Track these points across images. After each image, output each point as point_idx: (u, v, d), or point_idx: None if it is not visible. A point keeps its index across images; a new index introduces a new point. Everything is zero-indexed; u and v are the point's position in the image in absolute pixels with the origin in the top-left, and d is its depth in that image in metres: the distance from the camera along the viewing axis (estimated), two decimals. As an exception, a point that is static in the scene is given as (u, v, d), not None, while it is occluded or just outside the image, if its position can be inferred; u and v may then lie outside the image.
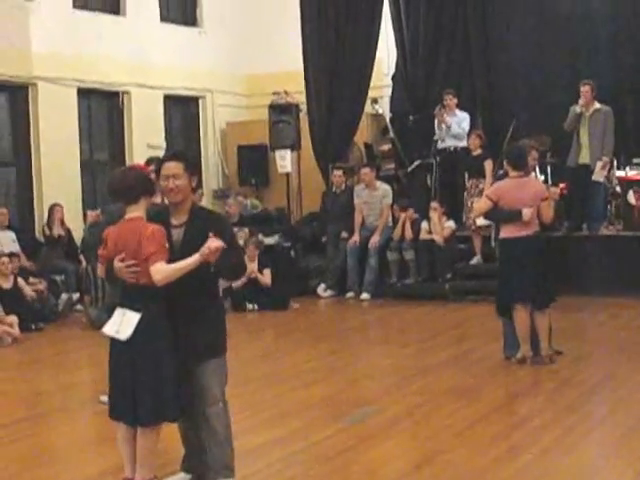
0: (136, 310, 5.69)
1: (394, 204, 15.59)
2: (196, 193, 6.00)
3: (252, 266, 14.60)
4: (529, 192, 9.40)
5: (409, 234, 15.00)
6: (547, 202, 9.51)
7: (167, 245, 5.71)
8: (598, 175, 14.12)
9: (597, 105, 14.24)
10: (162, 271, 5.60)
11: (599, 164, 14.07)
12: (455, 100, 15.78)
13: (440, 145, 15.91)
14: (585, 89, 14.16)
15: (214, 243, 5.53)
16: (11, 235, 14.61)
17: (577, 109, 14.14)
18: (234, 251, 5.82)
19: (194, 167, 5.92)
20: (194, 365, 5.79)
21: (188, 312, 5.75)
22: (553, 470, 6.31)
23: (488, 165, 14.50)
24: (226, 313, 6.18)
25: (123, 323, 5.73)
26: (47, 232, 15.07)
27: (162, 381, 5.68)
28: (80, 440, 7.84)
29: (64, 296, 14.32)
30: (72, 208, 15.62)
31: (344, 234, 15.64)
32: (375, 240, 15.25)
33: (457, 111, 15.81)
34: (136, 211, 5.81)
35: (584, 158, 14.25)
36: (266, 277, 14.56)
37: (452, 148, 15.72)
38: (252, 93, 19.27)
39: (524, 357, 9.41)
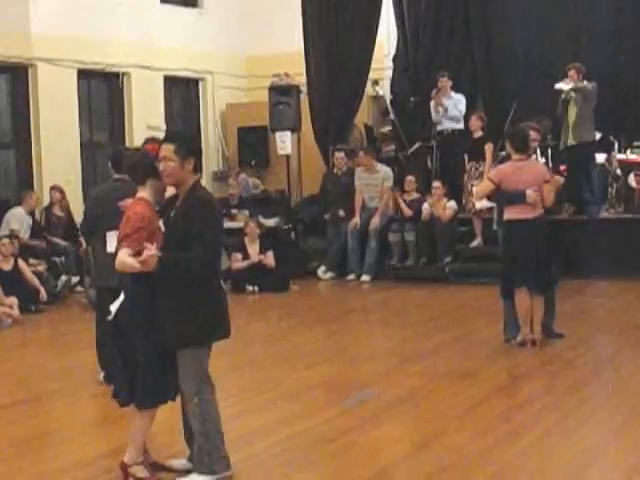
0: (125, 292, 5.73)
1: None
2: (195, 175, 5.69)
3: (254, 248, 14.62)
4: (531, 174, 9.37)
5: (407, 211, 15.00)
6: (549, 185, 9.48)
7: (147, 229, 5.65)
8: (561, 84, 14.14)
9: (580, 84, 14.18)
10: (119, 261, 5.60)
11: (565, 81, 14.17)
12: (450, 82, 15.76)
13: (438, 128, 15.91)
14: (571, 73, 14.17)
15: (146, 254, 5.41)
16: (29, 220, 14.65)
17: (563, 94, 14.15)
18: (199, 245, 5.52)
19: (188, 149, 5.66)
20: (170, 352, 5.68)
21: (167, 298, 5.61)
22: (554, 453, 6.31)
23: (488, 148, 14.46)
24: (221, 303, 5.83)
25: (114, 304, 5.77)
26: (47, 214, 15.09)
27: (141, 365, 5.67)
28: (80, 422, 7.85)
29: (63, 278, 14.32)
30: (72, 189, 15.59)
31: (341, 212, 15.64)
32: (375, 221, 15.25)
33: (452, 93, 15.80)
34: (142, 192, 5.83)
35: (571, 139, 14.23)
36: (269, 259, 14.56)
37: (450, 130, 15.72)
38: (252, 75, 19.23)
39: (524, 340, 9.40)
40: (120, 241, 5.64)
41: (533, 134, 9.70)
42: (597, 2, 16.36)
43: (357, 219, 15.44)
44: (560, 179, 9.19)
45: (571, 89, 14.07)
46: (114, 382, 6.07)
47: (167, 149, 5.63)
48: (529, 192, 9.21)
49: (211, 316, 5.69)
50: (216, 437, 5.74)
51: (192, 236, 5.52)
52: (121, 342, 5.78)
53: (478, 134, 14.66)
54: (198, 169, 5.73)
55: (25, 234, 14.47)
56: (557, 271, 9.85)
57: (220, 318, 5.76)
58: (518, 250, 9.36)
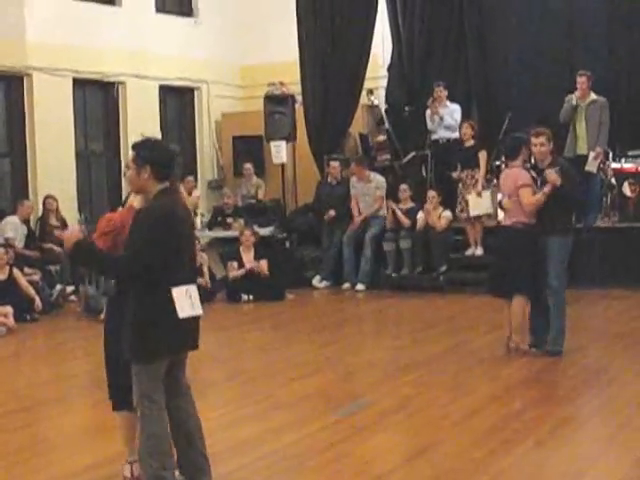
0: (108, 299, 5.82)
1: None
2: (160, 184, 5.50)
3: (249, 257, 14.63)
4: (509, 181, 9.57)
5: (405, 221, 14.99)
6: (524, 190, 9.43)
7: (114, 235, 5.76)
8: (591, 165, 14.15)
9: (593, 96, 14.28)
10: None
11: (592, 154, 14.12)
12: (445, 92, 15.80)
13: (433, 137, 15.94)
14: (582, 80, 14.21)
15: (68, 232, 5.51)
16: (24, 229, 14.68)
17: (573, 101, 14.17)
18: (129, 249, 5.40)
19: (143, 158, 5.48)
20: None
21: (129, 311, 5.50)
22: (548, 462, 6.31)
23: (482, 156, 14.51)
24: (169, 321, 5.40)
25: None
26: (42, 224, 15.10)
27: (120, 367, 5.67)
28: (75, 430, 7.83)
29: (58, 287, 14.30)
30: (67, 198, 15.60)
31: (332, 212, 15.67)
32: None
33: (448, 102, 15.84)
34: (135, 200, 5.88)
35: (581, 149, 14.30)
36: (263, 267, 14.56)
37: (445, 139, 15.76)
38: (247, 84, 19.26)
39: (517, 346, 9.45)
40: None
41: (538, 140, 9.51)
42: (592, 13, 16.35)
43: (356, 220, 15.49)
44: (552, 176, 9.09)
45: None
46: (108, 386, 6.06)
47: (130, 156, 5.66)
48: (499, 198, 9.59)
49: (156, 334, 5.40)
50: (161, 459, 5.48)
51: (126, 244, 5.48)
52: (112, 346, 5.81)
53: (470, 143, 14.68)
54: (160, 177, 5.47)
55: (20, 243, 14.48)
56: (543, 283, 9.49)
57: (167, 336, 5.42)
58: (498, 257, 9.77)
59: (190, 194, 15.89)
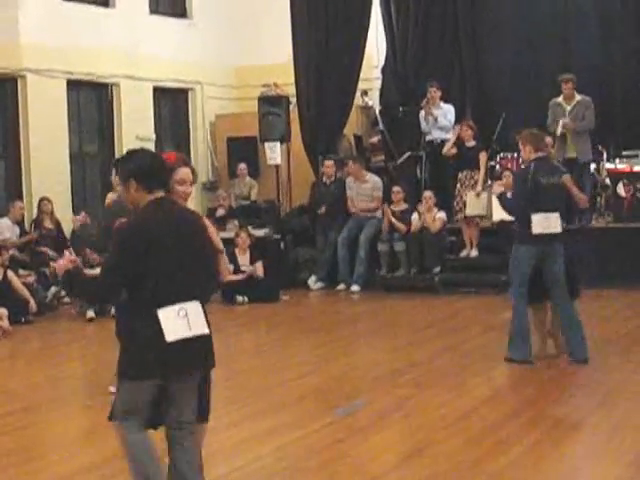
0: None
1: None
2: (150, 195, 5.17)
3: (244, 258, 14.62)
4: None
5: (400, 226, 14.98)
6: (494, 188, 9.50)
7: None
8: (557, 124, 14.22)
9: (578, 97, 14.32)
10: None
11: (563, 121, 14.21)
12: (439, 93, 15.82)
13: (427, 138, 15.96)
14: (567, 86, 14.27)
15: (60, 261, 5.36)
16: (16, 230, 14.67)
17: (557, 107, 14.28)
18: (101, 269, 5.19)
19: (123, 174, 5.21)
20: None
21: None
22: (544, 462, 6.32)
23: (482, 157, 14.54)
24: (152, 342, 4.96)
25: None
26: (37, 226, 15.09)
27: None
28: (70, 432, 7.83)
29: (53, 289, 14.28)
30: (61, 200, 15.59)
31: (323, 208, 15.73)
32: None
33: (441, 103, 15.86)
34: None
35: (571, 152, 14.30)
36: (259, 270, 14.56)
37: (439, 140, 15.77)
38: (242, 85, 19.25)
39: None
40: None
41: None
42: (586, 13, 16.40)
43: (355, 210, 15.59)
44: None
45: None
46: None
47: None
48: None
49: (138, 353, 5.02)
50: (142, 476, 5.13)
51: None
52: None
53: (471, 143, 14.71)
54: (149, 188, 5.12)
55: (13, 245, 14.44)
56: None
57: (149, 357, 4.99)
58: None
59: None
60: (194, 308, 5.07)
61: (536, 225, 8.83)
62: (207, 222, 5.84)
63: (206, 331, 5.11)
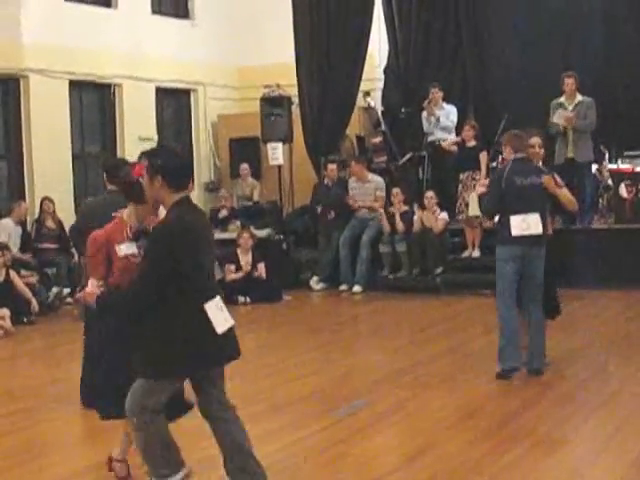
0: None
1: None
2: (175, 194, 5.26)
3: (247, 259, 14.63)
4: None
5: (400, 226, 14.98)
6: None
7: (101, 254, 5.74)
8: (557, 117, 14.23)
9: (579, 97, 14.30)
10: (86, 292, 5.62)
11: (562, 112, 14.18)
12: (441, 93, 15.83)
13: (430, 138, 15.96)
14: (569, 81, 14.24)
15: (87, 290, 5.51)
16: (19, 231, 14.67)
17: (560, 102, 14.26)
18: (137, 272, 5.25)
19: (153, 167, 5.23)
20: None
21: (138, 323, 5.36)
22: (545, 463, 6.32)
23: (483, 157, 14.54)
24: (193, 335, 5.19)
25: None
26: (38, 226, 15.10)
27: (101, 373, 5.74)
28: (73, 433, 7.85)
29: (54, 289, 14.30)
30: (64, 200, 15.59)
31: (332, 213, 15.69)
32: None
33: (444, 104, 15.86)
34: (124, 213, 5.88)
35: (570, 152, 14.28)
36: (260, 270, 14.57)
37: (441, 141, 15.77)
38: (244, 86, 19.25)
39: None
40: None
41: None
42: (588, 14, 16.39)
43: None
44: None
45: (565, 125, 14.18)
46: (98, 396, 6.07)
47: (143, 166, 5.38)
48: None
49: (169, 350, 5.17)
50: (162, 463, 5.39)
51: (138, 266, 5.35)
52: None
53: (472, 143, 14.72)
54: (175, 188, 5.22)
55: (15, 245, 14.44)
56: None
57: (187, 352, 5.18)
58: None
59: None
60: (221, 301, 5.38)
61: (514, 227, 8.63)
62: None
63: (234, 322, 5.45)
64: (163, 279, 5.10)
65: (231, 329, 5.40)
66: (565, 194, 9.04)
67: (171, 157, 5.27)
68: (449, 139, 15.13)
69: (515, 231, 8.64)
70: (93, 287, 5.49)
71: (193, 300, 5.19)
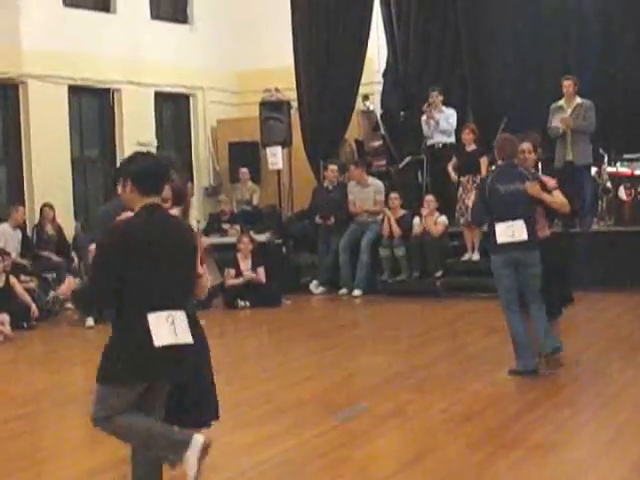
0: None
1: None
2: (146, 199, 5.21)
3: (246, 263, 14.63)
4: None
5: (396, 231, 14.98)
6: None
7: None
8: (555, 121, 14.18)
9: (578, 100, 14.31)
10: None
11: (560, 116, 14.16)
12: (441, 97, 15.83)
13: (429, 142, 15.96)
14: (568, 83, 14.25)
15: (64, 287, 5.62)
16: (18, 236, 14.66)
17: (559, 105, 14.26)
18: (89, 273, 5.47)
19: (124, 172, 5.26)
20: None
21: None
22: (545, 466, 6.32)
23: (483, 161, 14.53)
24: (136, 346, 5.03)
25: None
26: (38, 231, 15.11)
27: None
28: (72, 438, 7.83)
29: (52, 293, 14.28)
30: (63, 205, 15.61)
31: (332, 219, 15.70)
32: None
33: (443, 107, 15.87)
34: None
35: (569, 155, 14.29)
36: (260, 275, 14.57)
37: (441, 144, 15.78)
38: (243, 90, 19.28)
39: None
40: None
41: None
42: (587, 17, 16.41)
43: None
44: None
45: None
46: None
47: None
48: None
49: (121, 357, 5.06)
50: (157, 443, 5.20)
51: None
52: None
53: (472, 147, 14.71)
54: (144, 192, 5.14)
55: (14, 250, 14.39)
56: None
57: (125, 360, 5.05)
58: None
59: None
60: (179, 316, 5.11)
61: (500, 234, 8.59)
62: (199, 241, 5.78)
63: (190, 340, 5.15)
64: (106, 283, 5.05)
65: (182, 349, 5.11)
66: (555, 198, 8.92)
67: (142, 162, 5.24)
68: (451, 165, 14.99)
69: (501, 239, 8.63)
70: (70, 282, 5.57)
71: (136, 309, 5.03)
